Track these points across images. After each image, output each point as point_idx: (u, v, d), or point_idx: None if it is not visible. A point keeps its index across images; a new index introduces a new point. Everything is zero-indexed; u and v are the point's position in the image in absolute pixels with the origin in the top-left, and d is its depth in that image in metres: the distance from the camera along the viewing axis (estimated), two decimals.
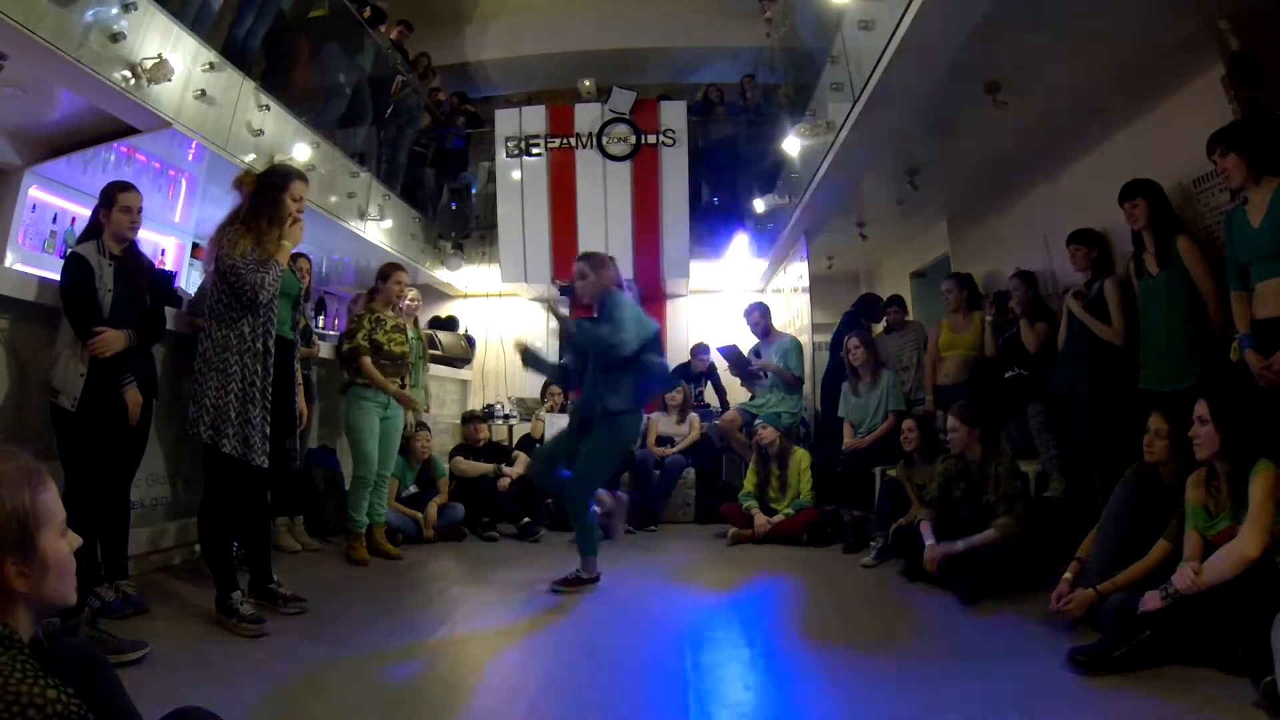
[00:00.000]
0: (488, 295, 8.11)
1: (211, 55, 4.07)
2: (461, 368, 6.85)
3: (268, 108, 4.61)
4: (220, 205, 3.22)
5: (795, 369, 5.11)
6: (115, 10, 3.38)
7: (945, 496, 3.23)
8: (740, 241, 7.17)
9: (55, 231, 4.36)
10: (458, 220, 7.55)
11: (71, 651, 1.17)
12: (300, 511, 3.89)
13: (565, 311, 3.22)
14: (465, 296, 8.25)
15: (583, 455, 3.15)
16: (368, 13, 5.95)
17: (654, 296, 7.81)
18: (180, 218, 5.07)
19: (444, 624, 2.64)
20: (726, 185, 7.62)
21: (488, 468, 4.70)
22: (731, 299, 7.73)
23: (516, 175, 7.09)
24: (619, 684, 2.07)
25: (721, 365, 6.00)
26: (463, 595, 3.20)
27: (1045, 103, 3.65)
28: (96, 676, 1.18)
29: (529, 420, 5.71)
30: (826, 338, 5.80)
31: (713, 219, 7.45)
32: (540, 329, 7.63)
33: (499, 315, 8.03)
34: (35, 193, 4.23)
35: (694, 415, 5.38)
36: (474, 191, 7.84)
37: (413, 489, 4.40)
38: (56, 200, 4.35)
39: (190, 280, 4.99)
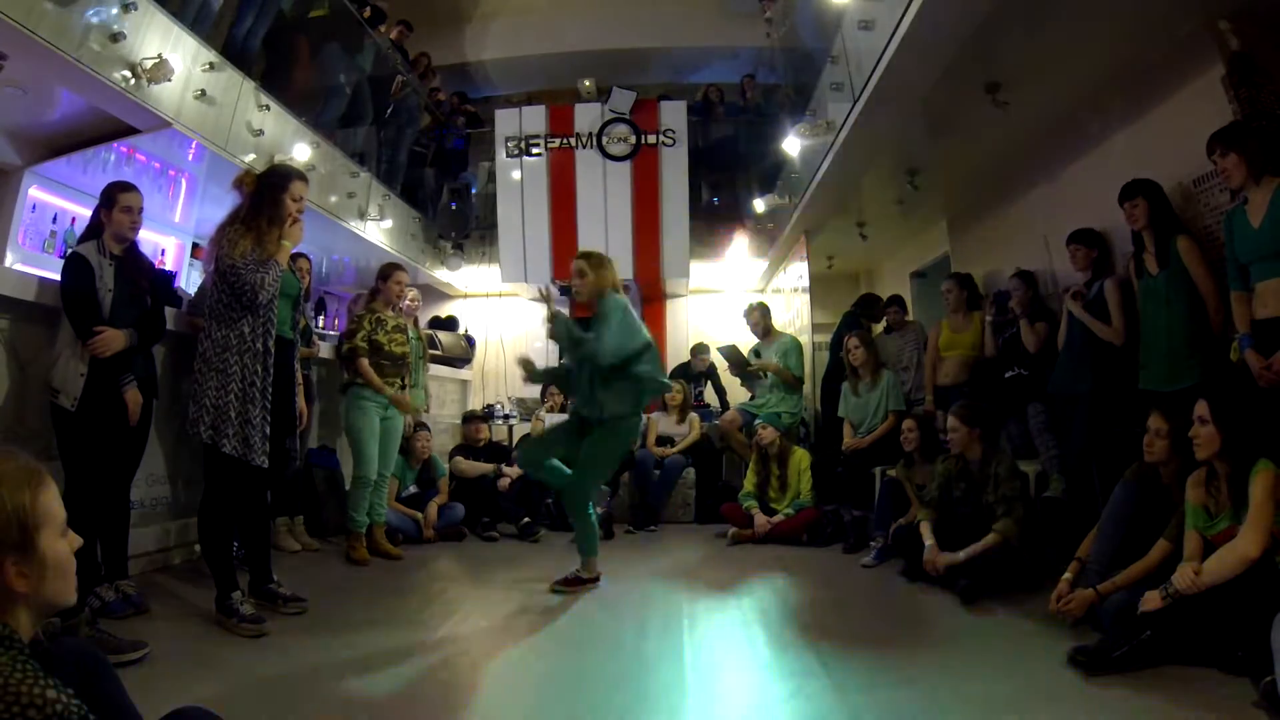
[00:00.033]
0: (488, 295, 8.11)
1: (211, 55, 4.07)
2: (461, 368, 6.85)
3: (268, 108, 4.61)
4: (220, 205, 3.22)
5: (795, 369, 5.11)
6: (115, 10, 3.38)
7: (945, 496, 3.23)
8: (740, 241, 7.17)
9: (55, 231, 4.36)
10: (458, 220, 7.55)
11: (71, 651, 1.17)
12: (300, 511, 3.89)
13: (563, 311, 3.19)
14: (465, 296, 8.25)
15: (583, 457, 3.15)
16: (368, 13, 5.95)
17: (654, 296, 7.82)
18: (180, 218, 5.07)
19: (444, 624, 2.64)
20: (726, 185, 7.63)
21: (488, 468, 4.70)
22: (731, 299, 7.73)
23: (516, 175, 7.09)
24: (619, 684, 2.07)
25: (721, 365, 6.00)
26: (463, 595, 3.20)
27: (1045, 103, 3.64)
28: (96, 676, 1.18)
29: (529, 420, 5.72)
30: (826, 338, 5.80)
31: (713, 219, 7.45)
32: (541, 329, 7.64)
33: (499, 315, 8.03)
34: (35, 193, 4.23)
35: (694, 415, 5.38)
36: (474, 191, 7.85)
37: (413, 489, 4.40)
38: (56, 200, 4.35)
39: (190, 280, 4.99)
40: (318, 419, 4.22)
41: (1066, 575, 2.50)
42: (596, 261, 3.18)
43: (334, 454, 4.35)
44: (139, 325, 2.60)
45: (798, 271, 6.20)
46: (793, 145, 5.13)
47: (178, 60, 3.74)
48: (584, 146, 7.00)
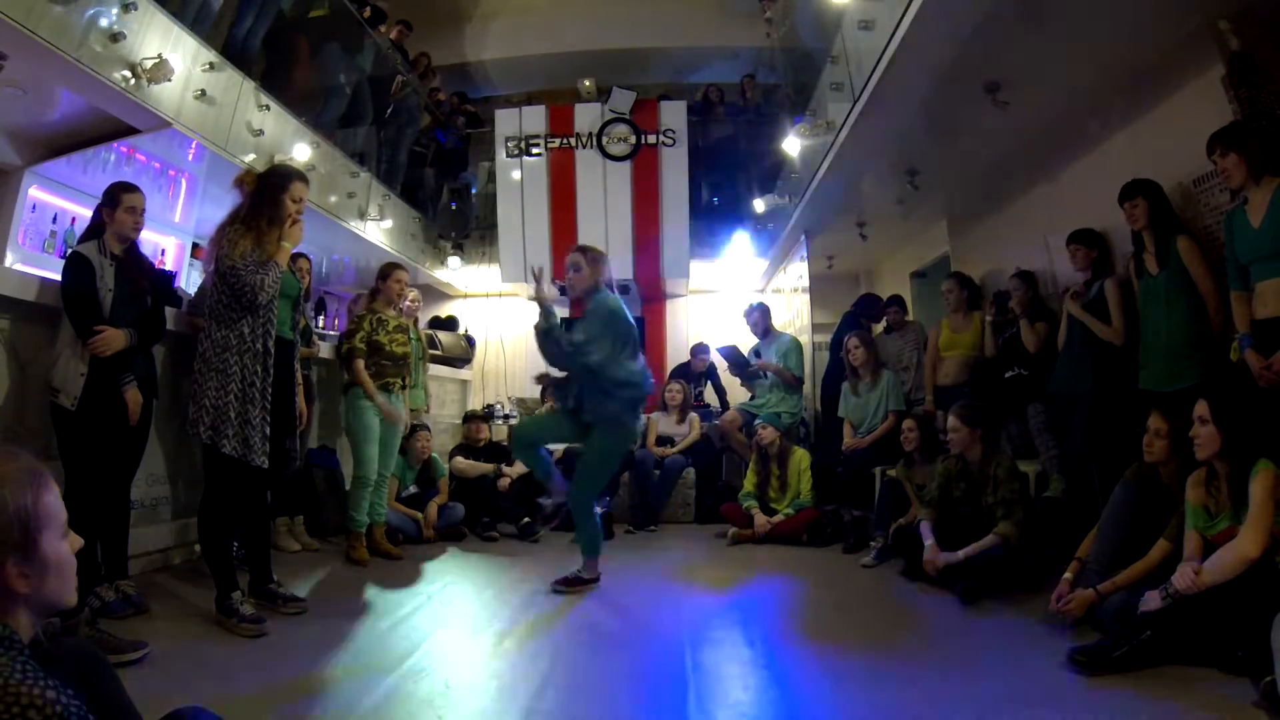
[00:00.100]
0: (488, 295, 8.12)
1: (211, 55, 4.07)
2: (461, 368, 6.85)
3: (268, 108, 4.61)
4: (220, 205, 3.22)
5: (795, 369, 5.11)
6: (115, 10, 3.38)
7: (945, 496, 3.23)
8: (740, 241, 7.17)
9: (55, 231, 4.36)
10: (458, 220, 7.55)
11: (71, 651, 1.17)
12: (300, 511, 3.89)
13: (554, 309, 3.13)
14: (465, 296, 8.26)
15: (585, 459, 3.15)
16: (368, 13, 5.95)
17: (654, 296, 7.83)
18: (180, 218, 5.07)
19: (444, 624, 2.64)
20: (726, 185, 7.62)
21: (488, 468, 4.70)
22: (731, 299, 7.73)
23: (516, 175, 7.09)
24: (619, 684, 2.07)
25: (721, 365, 6.00)
26: (463, 595, 3.20)
27: (1045, 103, 3.65)
28: (96, 676, 1.18)
29: None
30: (826, 338, 5.79)
31: (713, 219, 7.45)
32: None
33: (499, 315, 8.04)
34: (35, 193, 4.23)
35: (694, 415, 5.38)
36: (474, 191, 7.84)
37: (413, 489, 4.40)
38: (56, 200, 4.35)
39: (190, 280, 4.99)
40: (318, 419, 4.22)
41: (1067, 575, 2.50)
42: (593, 256, 3.15)
43: (334, 454, 4.35)
44: (139, 325, 2.60)
45: (798, 271, 6.20)
46: (793, 145, 5.13)
47: (178, 60, 3.74)
48: (584, 146, 7.00)
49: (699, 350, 6.41)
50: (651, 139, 6.94)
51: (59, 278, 2.54)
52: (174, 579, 3.07)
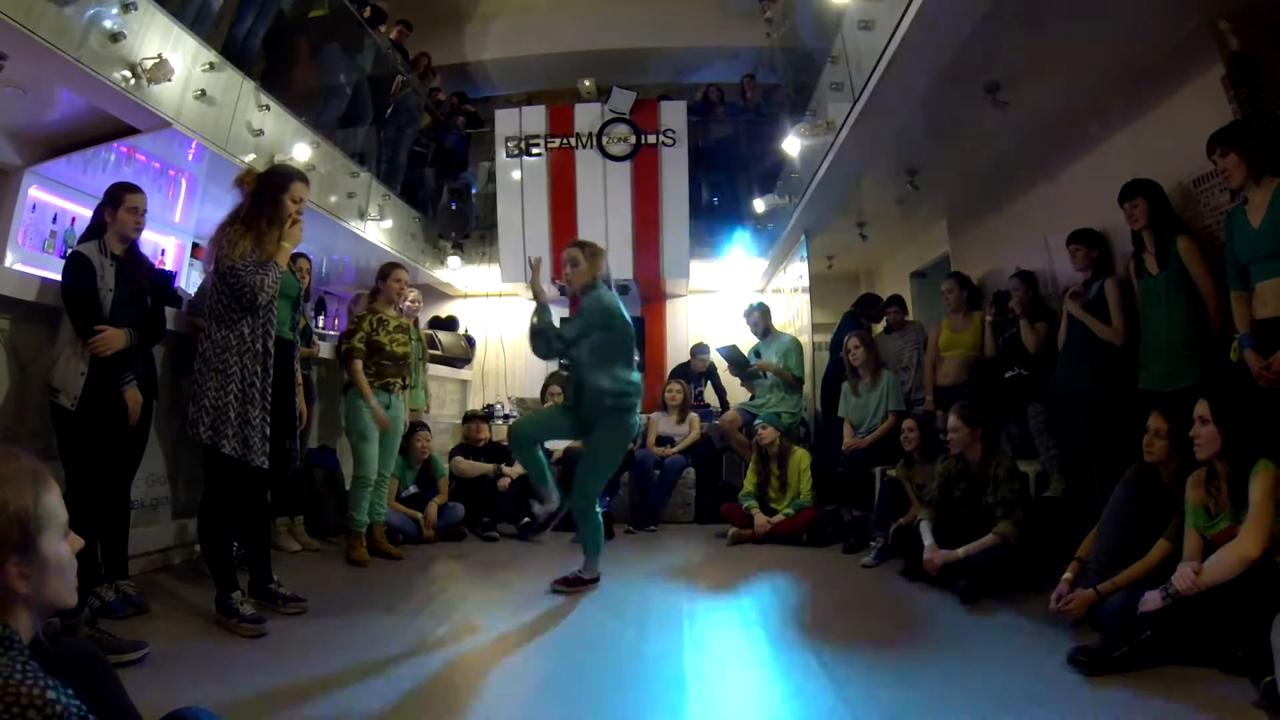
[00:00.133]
0: (488, 295, 8.11)
1: (211, 55, 4.07)
2: (461, 368, 6.85)
3: (268, 108, 4.61)
4: (220, 205, 3.22)
5: (795, 369, 5.11)
6: (115, 10, 3.38)
7: (945, 496, 3.23)
8: (740, 241, 7.17)
9: (55, 231, 4.36)
10: (458, 220, 7.55)
11: (71, 651, 1.17)
12: (300, 511, 3.89)
13: (552, 311, 3.12)
14: (465, 296, 8.25)
15: (587, 458, 3.15)
16: (368, 13, 5.95)
17: (654, 296, 7.83)
18: (180, 218, 5.07)
19: (444, 624, 2.64)
20: (726, 185, 7.62)
21: (488, 468, 4.70)
22: (731, 299, 7.73)
23: (516, 175, 7.09)
24: (619, 684, 2.07)
25: (721, 365, 6.00)
26: (463, 595, 3.20)
27: (1045, 103, 3.64)
28: (96, 676, 1.18)
29: None
30: (826, 338, 5.80)
31: (713, 219, 7.45)
32: None
33: (499, 315, 8.03)
34: (35, 193, 4.23)
35: (694, 415, 5.38)
36: (474, 191, 7.84)
37: (413, 489, 4.40)
38: (56, 200, 4.35)
39: (190, 280, 4.99)
40: (318, 419, 4.22)
41: (1067, 575, 2.50)
42: (590, 251, 3.13)
43: (334, 454, 4.35)
44: (139, 325, 2.60)
45: (798, 271, 6.20)
46: (793, 145, 5.13)
47: (178, 60, 3.74)
48: (584, 146, 7.00)
49: (699, 350, 6.42)
50: (651, 139, 6.94)
51: (59, 278, 2.54)
52: (174, 579, 3.07)
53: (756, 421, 4.72)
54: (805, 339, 5.62)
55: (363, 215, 5.98)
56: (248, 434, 2.48)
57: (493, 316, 8.01)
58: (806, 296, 5.88)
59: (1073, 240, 3.48)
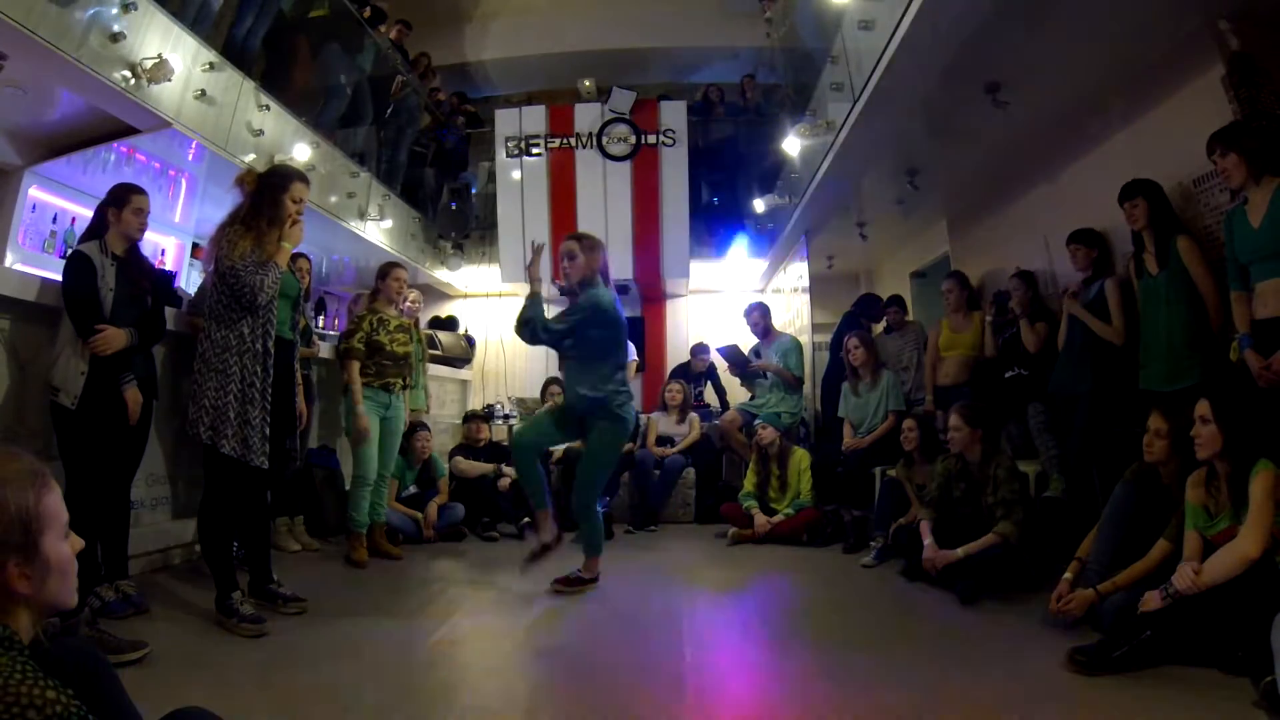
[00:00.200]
0: (488, 295, 8.11)
1: (211, 55, 4.07)
2: (461, 368, 6.85)
3: (268, 108, 4.61)
4: (220, 205, 3.22)
5: (795, 369, 5.11)
6: (115, 10, 3.38)
7: (945, 496, 3.23)
8: (740, 241, 7.18)
9: (55, 231, 4.36)
10: (458, 220, 7.55)
11: (71, 651, 1.17)
12: (300, 511, 3.89)
13: (544, 305, 3.12)
14: (465, 296, 8.25)
15: (586, 458, 3.15)
16: (368, 13, 5.95)
17: (654, 296, 7.83)
18: (180, 218, 5.08)
19: (444, 624, 2.64)
20: (726, 185, 7.62)
21: (488, 468, 4.70)
22: (731, 299, 7.73)
23: (516, 175, 7.09)
24: (619, 684, 2.07)
25: (721, 365, 6.01)
26: (463, 595, 3.20)
27: (1045, 103, 3.64)
28: (96, 676, 1.18)
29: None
30: (826, 338, 5.80)
31: (713, 219, 7.46)
32: None
33: (499, 315, 8.03)
34: (35, 193, 4.23)
35: (694, 415, 5.38)
36: (474, 191, 7.85)
37: (413, 489, 4.40)
38: (56, 200, 4.35)
39: (190, 280, 4.99)
40: (318, 419, 4.22)
41: (1066, 575, 2.50)
42: (589, 244, 3.11)
43: (334, 454, 4.35)
44: (139, 325, 2.60)
45: (798, 271, 6.20)
46: (793, 145, 5.13)
47: (178, 60, 3.74)
48: (584, 146, 7.00)
49: (699, 350, 6.41)
50: (651, 139, 6.94)
51: (59, 277, 2.54)
52: (174, 579, 3.07)
53: (756, 421, 4.72)
54: (805, 339, 5.62)
55: (363, 215, 5.98)
56: (247, 434, 2.48)
57: (493, 316, 8.01)
58: (806, 296, 5.88)
59: (1073, 240, 3.48)
